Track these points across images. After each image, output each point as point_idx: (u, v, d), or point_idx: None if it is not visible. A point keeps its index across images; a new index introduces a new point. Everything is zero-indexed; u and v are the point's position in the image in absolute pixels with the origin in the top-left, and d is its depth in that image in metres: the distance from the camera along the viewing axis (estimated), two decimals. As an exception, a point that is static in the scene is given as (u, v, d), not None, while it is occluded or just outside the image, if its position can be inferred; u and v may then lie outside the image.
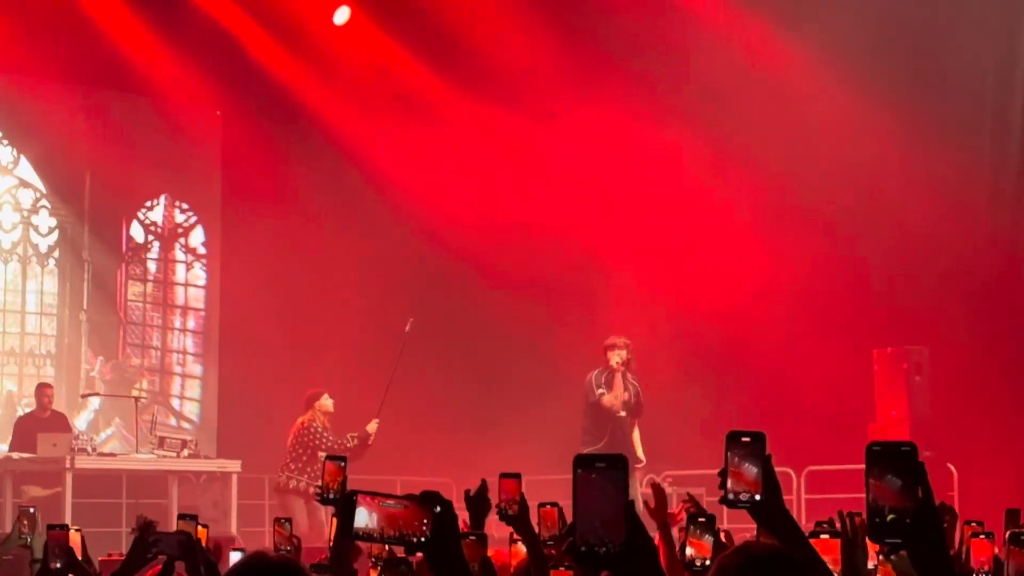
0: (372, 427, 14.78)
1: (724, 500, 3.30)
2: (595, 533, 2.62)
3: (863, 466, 2.89)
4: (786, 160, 18.07)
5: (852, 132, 17.26)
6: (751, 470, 3.26)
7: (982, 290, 17.40)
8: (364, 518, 2.86)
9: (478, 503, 5.67)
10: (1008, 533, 4.57)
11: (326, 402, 14.80)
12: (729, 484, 3.27)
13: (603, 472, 2.65)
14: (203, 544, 5.77)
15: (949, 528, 6.65)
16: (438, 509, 2.88)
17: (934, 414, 15.81)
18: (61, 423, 16.12)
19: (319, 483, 5.46)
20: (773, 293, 17.68)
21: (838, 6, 17.70)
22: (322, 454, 14.31)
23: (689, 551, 4.88)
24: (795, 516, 3.71)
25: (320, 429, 14.70)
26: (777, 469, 3.34)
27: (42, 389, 16.47)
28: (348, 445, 14.45)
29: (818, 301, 17.15)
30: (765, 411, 15.44)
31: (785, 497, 3.62)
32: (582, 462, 2.66)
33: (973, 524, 6.35)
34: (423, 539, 2.87)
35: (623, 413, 14.13)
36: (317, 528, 13.95)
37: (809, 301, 17.19)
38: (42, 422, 15.84)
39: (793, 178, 18.12)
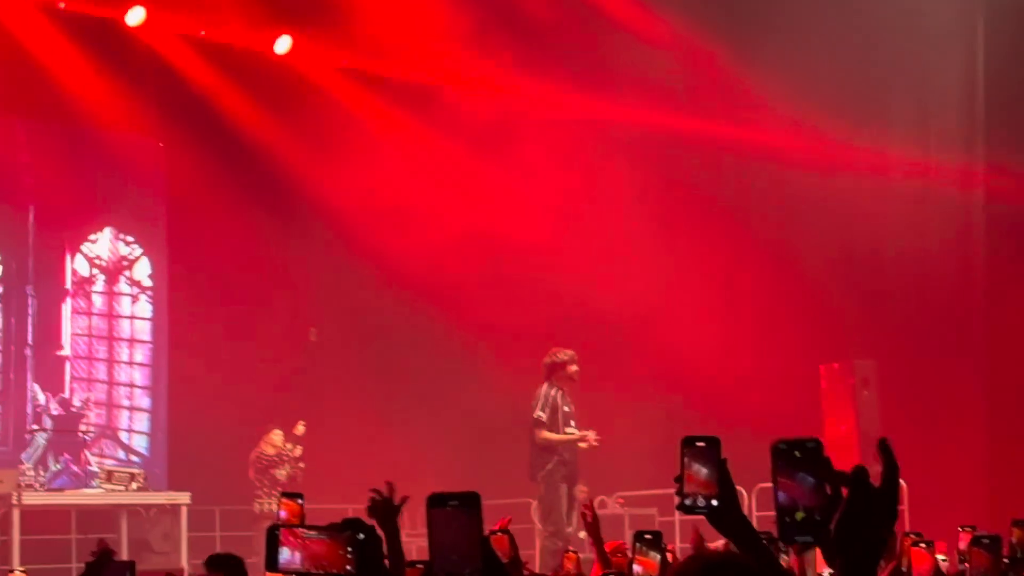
0: (299, 429, 15.97)
1: (681, 506, 3.26)
2: (453, 564, 2.62)
3: None
4: (732, 175, 18.14)
5: (797, 145, 17.34)
6: (702, 471, 3.25)
7: (929, 303, 17.49)
8: (287, 555, 2.84)
9: (385, 514, 5.44)
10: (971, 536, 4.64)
11: (273, 436, 15.57)
12: (684, 488, 3.26)
13: (456, 509, 2.68)
14: None
15: (891, 540, 6.62)
16: (361, 536, 2.87)
17: (882, 428, 15.82)
18: None
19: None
20: (720, 312, 17.71)
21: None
22: (279, 472, 14.99)
23: (636, 568, 4.84)
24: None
25: (269, 454, 15.53)
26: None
27: None
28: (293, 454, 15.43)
29: (765, 318, 17.19)
30: (715, 429, 15.36)
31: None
32: (435, 500, 2.70)
33: (912, 535, 6.34)
34: (347, 572, 2.85)
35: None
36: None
37: (756, 318, 17.23)
38: None
39: (738, 195, 18.19)
